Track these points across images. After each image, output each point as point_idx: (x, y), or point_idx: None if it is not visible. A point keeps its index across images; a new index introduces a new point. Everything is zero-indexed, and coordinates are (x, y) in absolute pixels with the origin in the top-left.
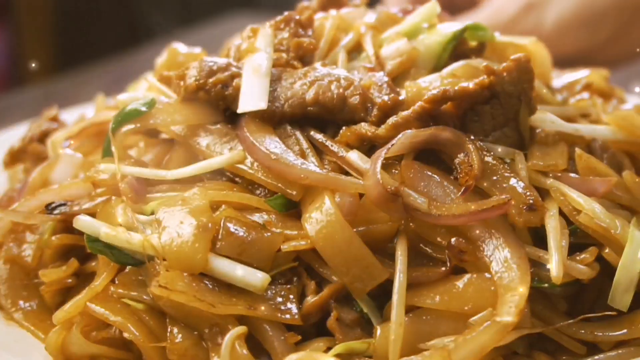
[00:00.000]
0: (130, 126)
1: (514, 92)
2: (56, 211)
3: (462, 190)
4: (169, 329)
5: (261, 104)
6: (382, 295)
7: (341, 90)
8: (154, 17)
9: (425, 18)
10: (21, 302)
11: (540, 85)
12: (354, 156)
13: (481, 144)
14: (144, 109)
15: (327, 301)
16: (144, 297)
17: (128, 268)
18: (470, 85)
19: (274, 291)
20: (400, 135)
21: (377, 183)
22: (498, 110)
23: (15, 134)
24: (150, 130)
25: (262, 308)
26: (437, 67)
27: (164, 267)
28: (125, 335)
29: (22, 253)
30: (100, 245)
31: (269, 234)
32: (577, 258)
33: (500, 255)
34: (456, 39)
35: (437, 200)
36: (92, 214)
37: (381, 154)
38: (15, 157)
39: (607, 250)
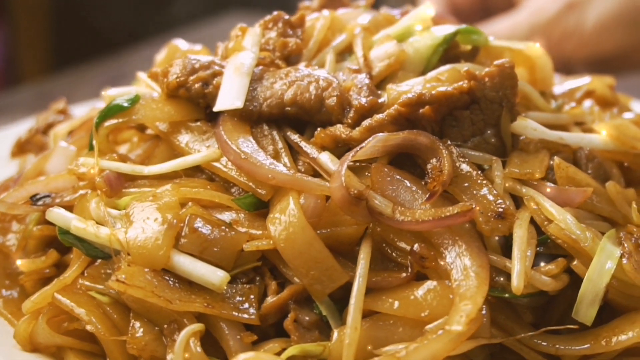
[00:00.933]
0: (113, 121)
1: (495, 98)
2: (39, 202)
3: (427, 196)
4: (131, 323)
5: (237, 102)
6: (344, 298)
7: (319, 91)
8: (150, 16)
9: (418, 20)
10: (3, 290)
11: (534, 91)
12: (325, 157)
13: (458, 149)
14: (126, 104)
15: (286, 302)
16: (111, 290)
17: (99, 261)
18: (449, 89)
19: (234, 290)
20: (370, 139)
21: (341, 186)
22: (478, 115)
23: (12, 133)
24: (141, 125)
25: (220, 306)
26: (426, 71)
27: (126, 261)
28: (87, 327)
29: (7, 242)
30: (71, 238)
31: (232, 232)
32: (542, 269)
33: (461, 263)
34: (447, 42)
35: (405, 205)
36: (72, 206)
37: (349, 156)
38: (22, 147)
39: (575, 262)
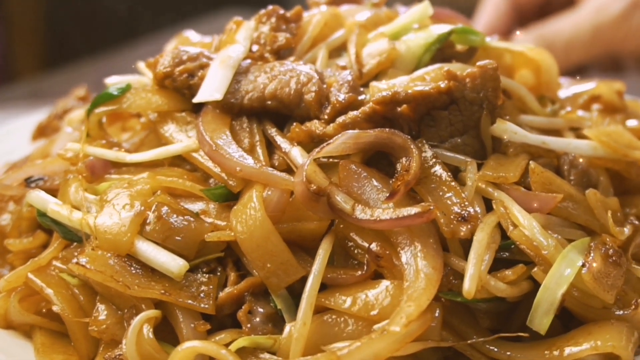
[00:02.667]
0: (103, 108)
1: (476, 100)
2: (32, 184)
3: (388, 195)
4: (96, 306)
5: (216, 95)
6: (302, 293)
7: (299, 86)
8: (146, 14)
9: (416, 19)
10: None
11: (528, 94)
12: (295, 152)
13: (434, 150)
14: (116, 93)
15: (242, 294)
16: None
17: (75, 244)
18: (426, 89)
19: (193, 279)
20: (339, 135)
21: (301, 181)
22: (457, 117)
23: (8, 130)
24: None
25: (177, 294)
26: (417, 69)
27: (89, 245)
28: (54, 308)
29: (2, 222)
30: (48, 220)
31: (196, 222)
32: (499, 275)
33: (414, 264)
34: (441, 41)
35: (369, 203)
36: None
37: (314, 152)
38: (41, 131)
39: (535, 269)
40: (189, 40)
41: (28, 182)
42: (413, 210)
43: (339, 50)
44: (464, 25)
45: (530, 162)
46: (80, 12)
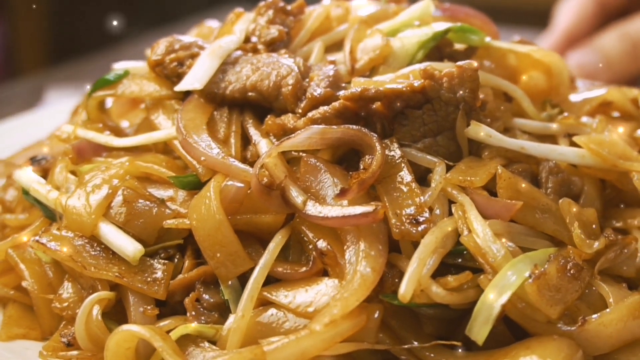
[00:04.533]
0: (100, 93)
1: (451, 100)
2: (35, 164)
3: (339, 192)
4: (64, 285)
5: (196, 84)
6: None
7: (279, 79)
8: (150, 9)
9: (416, 16)
10: None
11: (524, 98)
12: (262, 144)
13: (404, 150)
14: (112, 78)
15: (193, 281)
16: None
17: (54, 223)
18: (399, 86)
19: (148, 264)
20: (302, 130)
21: (254, 174)
22: (431, 117)
23: (10, 127)
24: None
25: (130, 277)
26: (410, 66)
27: (56, 225)
28: (23, 283)
29: (6, 196)
30: (31, 199)
31: (157, 208)
32: (441, 280)
33: (355, 263)
34: (436, 39)
35: (325, 199)
36: None
37: (274, 145)
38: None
39: (481, 277)
40: (211, 29)
41: (33, 161)
42: (359, 209)
43: (339, 45)
44: (482, 24)
45: (498, 167)
46: (84, 8)
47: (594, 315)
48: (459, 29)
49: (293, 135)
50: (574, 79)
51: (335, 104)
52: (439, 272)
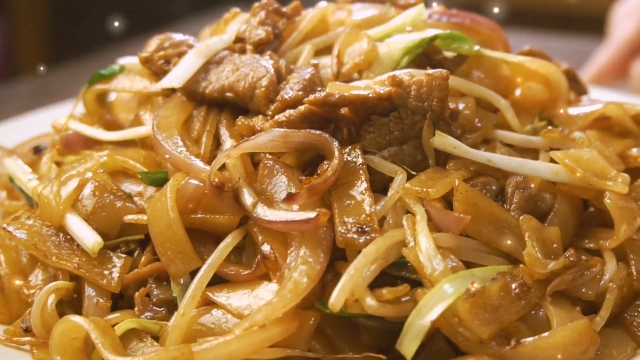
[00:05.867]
0: (95, 87)
1: (418, 109)
2: (37, 153)
3: (286, 197)
4: (35, 271)
5: (174, 82)
6: None
7: (254, 80)
8: (149, 9)
9: (409, 21)
10: None
11: (509, 109)
12: (227, 144)
13: (364, 157)
14: (106, 73)
15: (146, 277)
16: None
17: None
18: (365, 93)
19: (108, 257)
20: (263, 132)
21: (207, 174)
22: (398, 125)
23: (9, 127)
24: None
25: (88, 269)
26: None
27: (26, 214)
28: None
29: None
30: (16, 186)
31: (121, 203)
32: (377, 292)
33: (293, 269)
34: (422, 46)
35: (278, 202)
36: None
37: (231, 146)
38: None
39: (418, 291)
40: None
41: (35, 150)
42: (302, 215)
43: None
44: (490, 32)
45: (456, 179)
46: (84, 8)
47: (530, 338)
48: (447, 37)
49: (253, 137)
50: (586, 89)
51: (301, 107)
52: (389, 284)
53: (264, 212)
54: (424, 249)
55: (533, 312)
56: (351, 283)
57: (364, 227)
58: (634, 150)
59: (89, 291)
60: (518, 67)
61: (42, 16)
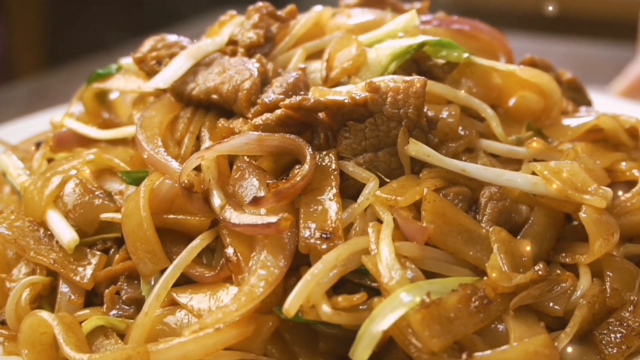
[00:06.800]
0: (93, 85)
1: (394, 116)
2: (38, 149)
3: (251, 200)
4: (19, 264)
5: (160, 84)
6: None
7: (238, 83)
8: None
9: (400, 27)
10: None
11: (494, 118)
12: (205, 146)
13: (337, 163)
14: (103, 73)
15: (117, 275)
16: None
17: None
18: (340, 98)
19: (84, 254)
20: (237, 135)
21: (178, 175)
22: (373, 131)
23: (8, 130)
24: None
25: (63, 265)
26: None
27: (8, 209)
28: None
29: None
30: (9, 181)
31: (99, 201)
32: (334, 299)
33: (253, 273)
34: (409, 52)
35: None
36: None
37: (204, 148)
38: None
39: (375, 300)
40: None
41: (37, 146)
42: (263, 219)
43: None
44: (491, 40)
45: (425, 188)
46: (81, 11)
47: (483, 352)
48: (436, 43)
49: (227, 140)
50: (590, 101)
51: (278, 111)
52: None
53: (230, 214)
54: (384, 257)
55: (493, 325)
56: (307, 289)
57: (327, 233)
58: (623, 164)
59: (63, 287)
60: (509, 75)
61: (39, 18)
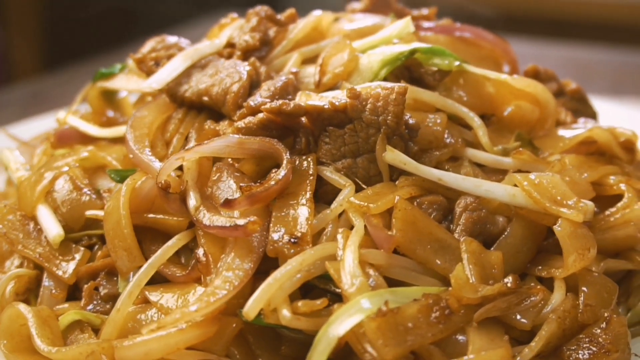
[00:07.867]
0: (98, 84)
1: (373, 122)
2: None
3: (223, 202)
4: (12, 257)
5: (154, 85)
6: None
7: (227, 85)
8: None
9: (395, 34)
10: None
11: (482, 127)
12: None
13: (315, 167)
14: (106, 72)
15: (97, 271)
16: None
17: None
18: (320, 104)
19: (69, 249)
20: (218, 137)
21: (156, 176)
22: (352, 137)
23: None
24: None
25: (47, 259)
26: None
27: (2, 203)
28: None
29: None
30: (10, 175)
31: (86, 198)
32: (295, 304)
33: (219, 275)
34: (400, 59)
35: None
36: None
37: (186, 149)
38: None
39: (335, 306)
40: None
41: None
42: (231, 222)
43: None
44: (493, 48)
45: (396, 197)
46: (78, 13)
47: None
48: (427, 51)
49: (207, 142)
50: (594, 113)
51: (260, 115)
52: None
53: (203, 216)
54: (347, 264)
55: (455, 337)
56: (268, 292)
57: (295, 238)
58: (612, 178)
59: (46, 281)
60: (502, 85)
61: (37, 20)
